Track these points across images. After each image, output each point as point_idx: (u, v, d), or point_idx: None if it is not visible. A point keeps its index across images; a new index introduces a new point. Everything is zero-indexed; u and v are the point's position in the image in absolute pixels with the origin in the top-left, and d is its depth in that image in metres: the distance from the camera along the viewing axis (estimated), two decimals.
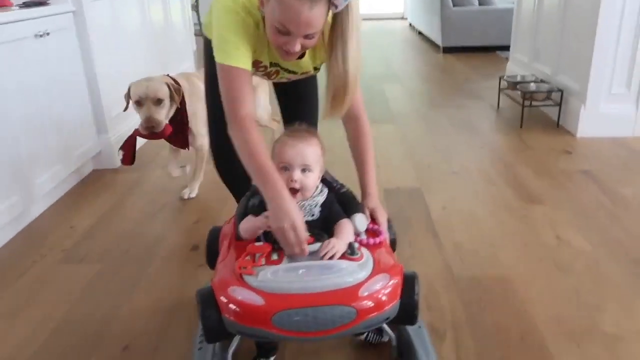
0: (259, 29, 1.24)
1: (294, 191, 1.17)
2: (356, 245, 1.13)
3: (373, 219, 1.31)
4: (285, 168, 1.19)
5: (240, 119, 1.21)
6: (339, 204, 1.25)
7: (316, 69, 1.44)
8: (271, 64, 1.37)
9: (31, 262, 1.86)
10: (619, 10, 2.72)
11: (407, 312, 1.09)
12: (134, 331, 1.48)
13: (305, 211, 1.19)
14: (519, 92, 3.23)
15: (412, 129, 3.25)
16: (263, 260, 1.08)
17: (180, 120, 2.16)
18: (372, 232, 1.25)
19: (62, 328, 1.51)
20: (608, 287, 1.63)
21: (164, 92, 2.06)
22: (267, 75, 1.44)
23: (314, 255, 1.10)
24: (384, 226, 1.29)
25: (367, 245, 1.18)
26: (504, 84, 3.52)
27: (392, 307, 1.06)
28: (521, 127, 3.17)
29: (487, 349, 1.37)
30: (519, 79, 3.45)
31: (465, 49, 5.74)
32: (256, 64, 1.34)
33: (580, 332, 1.42)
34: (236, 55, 1.22)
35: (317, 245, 1.11)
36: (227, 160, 1.44)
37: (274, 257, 1.10)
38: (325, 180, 1.29)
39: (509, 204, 2.20)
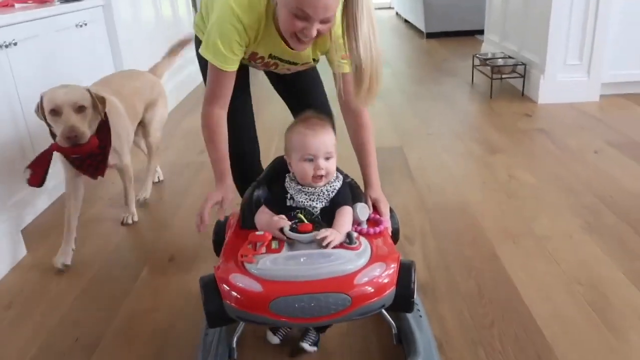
0: (260, 24, 1.28)
1: (319, 178, 1.23)
2: (354, 234, 1.16)
3: (375, 209, 1.36)
4: (309, 159, 1.23)
5: (213, 114, 1.36)
6: None
7: (315, 60, 1.46)
8: (269, 56, 1.40)
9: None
10: None
11: (404, 299, 1.12)
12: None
13: (322, 197, 1.24)
14: (489, 68, 3.68)
15: (397, 102, 3.70)
16: (264, 249, 1.13)
17: (103, 137, 1.83)
18: (373, 222, 1.30)
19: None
20: (545, 206, 2.10)
21: (86, 99, 1.75)
22: (265, 66, 1.46)
23: (312, 243, 1.14)
24: (385, 216, 1.34)
25: (366, 235, 1.22)
26: (476, 61, 3.97)
27: (387, 295, 1.09)
28: (491, 97, 3.63)
29: (445, 247, 1.83)
30: (489, 56, 3.90)
31: (447, 34, 6.18)
32: (253, 56, 1.39)
33: (518, 235, 1.89)
34: (225, 60, 1.30)
35: (314, 234, 1.15)
36: (246, 162, 1.60)
37: (274, 245, 1.14)
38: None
39: (473, 154, 2.67)
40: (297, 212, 1.22)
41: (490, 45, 4.45)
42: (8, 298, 1.67)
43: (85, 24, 2.68)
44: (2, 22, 2.02)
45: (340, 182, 1.27)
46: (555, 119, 3.13)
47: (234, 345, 1.28)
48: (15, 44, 2.07)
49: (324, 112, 1.56)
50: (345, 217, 1.21)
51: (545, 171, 2.42)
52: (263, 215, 1.24)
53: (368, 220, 1.28)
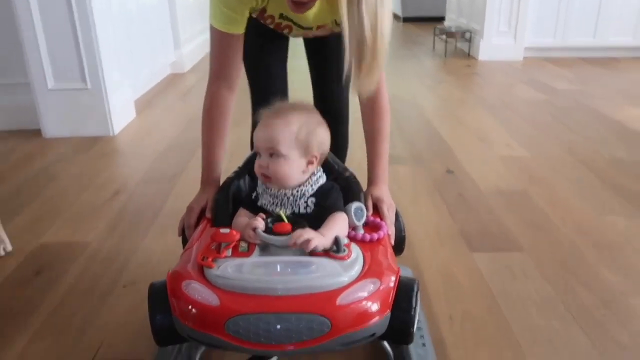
0: None
1: (266, 178, 1.03)
2: (344, 240, 0.93)
3: (376, 211, 1.12)
4: (258, 153, 1.04)
5: (213, 91, 1.20)
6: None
7: (337, 23, 1.16)
8: (280, 16, 1.21)
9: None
10: None
11: (401, 328, 0.87)
12: None
13: (287, 202, 1.02)
14: (444, 35, 4.88)
15: None
16: (229, 252, 0.90)
17: None
18: (371, 227, 1.06)
19: None
20: (468, 107, 3.29)
21: None
22: (277, 28, 1.27)
23: (289, 248, 0.91)
24: (388, 220, 1.10)
25: (360, 242, 0.97)
26: (437, 31, 5.17)
27: (378, 322, 0.85)
28: (445, 56, 4.83)
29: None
30: (445, 27, 5.11)
31: (420, 19, 7.39)
32: (262, 13, 1.20)
33: (444, 115, 3.07)
34: (227, 22, 1.14)
35: (291, 236, 0.91)
36: None
37: (243, 247, 0.92)
38: (326, 165, 1.10)
39: (428, 85, 3.87)
40: (278, 209, 1.01)
41: (450, 22, 5.67)
42: None
43: None
44: None
45: (315, 186, 1.03)
46: (486, 68, 4.35)
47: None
48: None
49: (338, 82, 1.25)
50: (335, 222, 0.97)
51: (472, 92, 3.64)
52: (241, 219, 1.02)
53: (365, 224, 1.04)
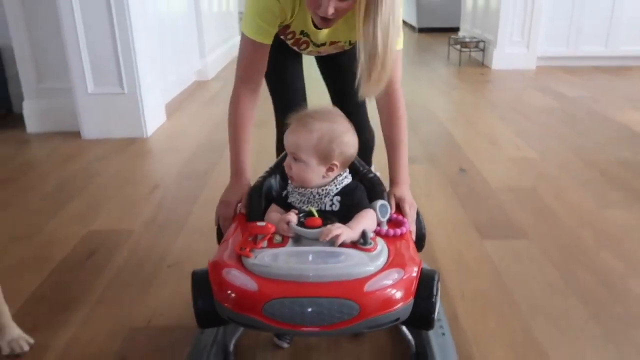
0: (296, 1, 1.23)
1: (290, 177, 1.14)
2: (370, 234, 1.01)
3: (399, 209, 1.20)
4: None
5: (239, 93, 1.27)
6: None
7: (351, 43, 1.36)
8: (301, 32, 1.33)
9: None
10: None
11: (423, 314, 0.96)
12: None
13: (313, 200, 1.12)
14: (459, 45, 5.03)
15: None
16: (265, 243, 0.99)
17: None
18: (394, 223, 1.14)
19: None
20: (480, 111, 3.44)
21: None
22: (296, 43, 1.39)
23: (319, 240, 1.00)
24: (410, 218, 1.18)
25: (384, 236, 1.05)
26: (451, 41, 5.32)
27: (402, 307, 0.93)
28: (459, 65, 4.98)
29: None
30: (460, 37, 5.26)
31: (436, 29, 7.55)
32: (284, 30, 1.32)
33: (457, 118, 3.22)
34: (258, 31, 1.24)
35: (322, 229, 1.00)
36: None
37: (277, 239, 1.01)
38: (352, 167, 1.19)
39: (443, 91, 4.03)
40: (307, 206, 1.11)
41: (464, 32, 5.82)
42: None
43: None
44: None
45: (339, 186, 1.12)
46: (498, 77, 4.49)
47: (231, 349, 1.16)
48: None
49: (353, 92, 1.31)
50: (364, 217, 1.06)
51: (484, 98, 3.78)
52: (273, 214, 1.11)
53: (389, 220, 1.12)
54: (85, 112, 2.83)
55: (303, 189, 1.13)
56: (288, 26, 1.30)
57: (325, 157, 1.09)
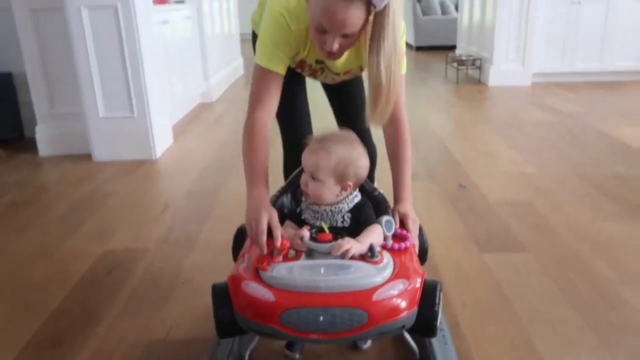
0: (308, 33, 1.27)
1: (305, 194, 1.21)
2: (377, 248, 1.09)
3: (402, 225, 1.27)
4: (304, 170, 1.21)
5: (254, 120, 1.28)
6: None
7: (361, 68, 1.43)
8: (316, 62, 1.39)
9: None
10: (507, 12, 4.65)
11: (426, 322, 1.04)
12: None
13: (326, 217, 1.20)
14: (456, 63, 5.15)
15: None
16: (280, 258, 1.08)
17: None
18: (398, 238, 1.21)
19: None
20: (476, 127, 3.53)
21: None
22: (313, 74, 1.46)
23: (330, 254, 1.08)
24: (413, 232, 1.26)
25: (390, 250, 1.14)
26: (449, 59, 5.45)
27: (408, 315, 1.02)
28: (457, 82, 5.09)
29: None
30: (456, 55, 5.39)
31: (433, 48, 7.70)
32: (301, 64, 1.39)
33: (455, 134, 3.31)
34: (272, 59, 1.27)
35: (333, 244, 1.08)
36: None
37: (292, 253, 1.09)
38: (359, 186, 1.25)
39: (441, 108, 4.13)
40: (319, 222, 1.19)
41: (460, 50, 5.95)
42: None
43: (189, 17, 4.14)
44: (162, 10, 3.48)
45: (351, 203, 1.21)
46: (497, 93, 4.60)
47: (246, 358, 1.24)
48: (167, 22, 3.51)
49: (361, 118, 1.42)
50: (371, 232, 1.15)
51: (482, 115, 3.88)
52: (287, 230, 1.18)
53: (394, 235, 1.20)
54: (96, 135, 2.93)
55: (317, 206, 1.21)
56: (304, 60, 1.37)
57: (341, 178, 1.18)
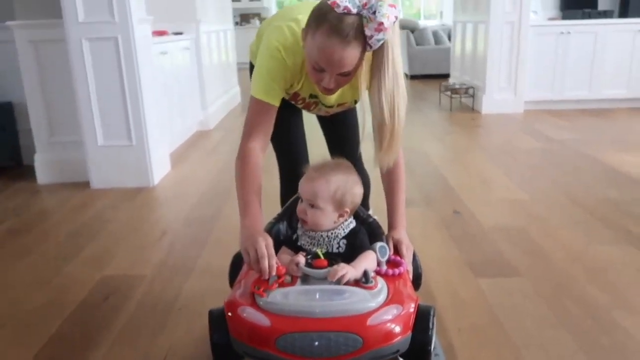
0: (303, 67, 1.28)
1: (303, 221, 1.23)
2: (371, 273, 1.11)
3: (396, 251, 1.29)
4: (301, 198, 1.23)
5: (247, 149, 1.29)
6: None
7: (355, 101, 1.45)
8: (310, 96, 1.42)
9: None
10: (498, 42, 4.77)
11: (420, 346, 1.06)
12: None
13: (322, 242, 1.22)
14: (449, 92, 5.25)
15: None
16: (276, 284, 1.08)
17: None
18: (392, 263, 1.23)
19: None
20: (471, 153, 3.59)
21: None
22: (306, 107, 1.48)
23: (327, 280, 1.09)
24: (407, 258, 1.28)
25: (384, 275, 1.15)
26: (442, 88, 5.55)
27: (402, 340, 1.04)
28: (451, 110, 5.18)
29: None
30: (450, 84, 5.49)
31: (426, 76, 7.82)
32: (295, 97, 1.41)
33: (449, 159, 3.36)
34: (267, 92, 1.29)
35: (328, 270, 1.10)
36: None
37: (288, 279, 1.10)
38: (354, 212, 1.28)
39: (436, 136, 4.19)
40: (316, 248, 1.20)
41: (454, 79, 6.06)
42: None
43: (188, 49, 4.22)
44: (161, 41, 3.56)
45: (347, 229, 1.24)
46: (490, 121, 4.68)
47: None
48: (166, 52, 3.59)
49: (354, 148, 1.60)
50: (366, 257, 1.17)
51: (475, 142, 3.95)
52: (283, 256, 1.20)
53: (388, 261, 1.21)
54: (94, 163, 2.96)
55: (314, 232, 1.24)
56: (297, 93, 1.40)
57: (339, 205, 1.21)
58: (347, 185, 1.22)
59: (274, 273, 1.10)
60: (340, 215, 1.23)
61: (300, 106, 1.49)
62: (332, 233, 1.23)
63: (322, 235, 1.23)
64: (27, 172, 3.26)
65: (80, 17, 2.73)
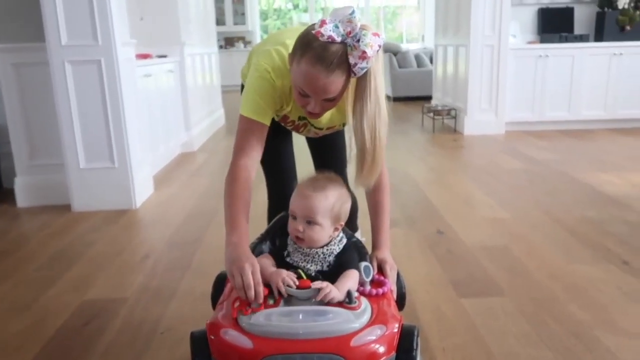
0: (292, 90, 1.28)
1: (297, 239, 1.21)
2: (355, 294, 1.11)
3: (380, 271, 1.30)
4: (294, 217, 1.21)
5: (237, 167, 1.28)
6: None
7: (344, 124, 1.47)
8: (299, 118, 1.44)
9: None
10: (479, 65, 4.87)
11: None
12: None
13: (317, 260, 1.22)
14: (432, 113, 5.32)
15: None
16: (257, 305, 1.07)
17: None
18: (376, 283, 1.23)
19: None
20: (453, 173, 3.63)
21: None
22: (295, 129, 1.51)
23: (310, 301, 1.10)
24: (391, 279, 1.28)
25: (368, 295, 1.15)
26: (425, 110, 5.62)
27: None
28: (433, 132, 5.24)
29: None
30: (432, 106, 5.57)
31: (409, 98, 7.92)
32: (284, 119, 1.44)
33: (432, 181, 3.40)
34: (257, 110, 1.30)
35: (312, 290, 1.10)
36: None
37: (270, 301, 1.09)
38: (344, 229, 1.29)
39: (419, 157, 4.23)
40: (297, 269, 1.19)
41: (436, 101, 6.15)
42: None
43: (172, 71, 4.24)
44: (145, 64, 3.57)
45: (341, 245, 1.24)
46: (472, 142, 4.74)
47: None
48: (150, 75, 3.60)
49: (340, 166, 1.63)
50: (349, 278, 1.16)
51: (458, 162, 4.00)
52: (264, 260, 1.21)
53: (372, 281, 1.22)
54: (76, 186, 2.93)
55: (308, 249, 1.23)
56: (287, 116, 1.43)
57: (336, 219, 1.22)
58: (342, 198, 1.24)
59: (260, 301, 1.09)
60: (336, 229, 1.24)
61: (289, 128, 1.51)
62: (327, 249, 1.23)
63: (317, 252, 1.22)
64: (6, 195, 3.22)
65: (63, 40, 2.73)
